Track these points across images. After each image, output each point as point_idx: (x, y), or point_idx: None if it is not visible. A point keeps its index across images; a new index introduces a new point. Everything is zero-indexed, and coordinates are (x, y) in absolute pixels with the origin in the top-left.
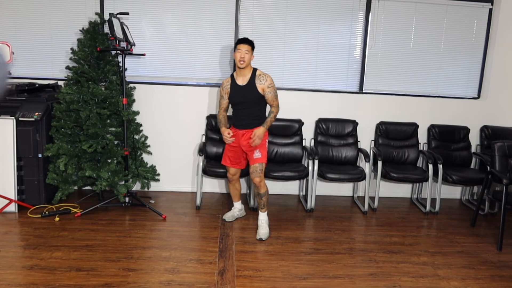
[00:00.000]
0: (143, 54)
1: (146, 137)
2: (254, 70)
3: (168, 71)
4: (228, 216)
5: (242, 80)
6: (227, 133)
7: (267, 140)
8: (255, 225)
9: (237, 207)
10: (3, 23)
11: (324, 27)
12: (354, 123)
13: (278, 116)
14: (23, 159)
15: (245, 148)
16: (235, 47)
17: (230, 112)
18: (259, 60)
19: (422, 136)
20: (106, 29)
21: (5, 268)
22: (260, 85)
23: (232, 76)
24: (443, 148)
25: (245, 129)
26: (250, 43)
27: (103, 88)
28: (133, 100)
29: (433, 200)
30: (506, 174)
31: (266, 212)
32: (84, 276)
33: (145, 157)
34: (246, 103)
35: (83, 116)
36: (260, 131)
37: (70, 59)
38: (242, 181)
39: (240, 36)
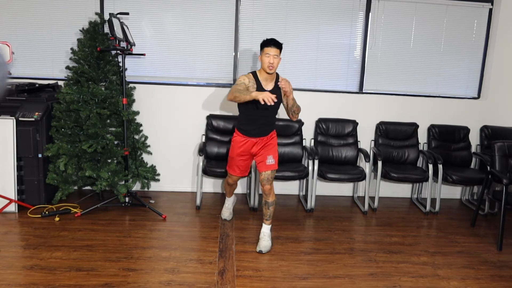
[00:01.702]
0: (143, 54)
1: (146, 137)
2: (277, 74)
3: (168, 71)
4: (226, 214)
5: (267, 85)
6: (269, 93)
7: (277, 146)
8: (255, 225)
9: (230, 201)
10: (3, 23)
11: (324, 27)
12: (354, 123)
13: (278, 116)
14: (23, 159)
15: (258, 153)
16: (261, 49)
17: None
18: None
19: (422, 136)
20: (106, 29)
21: (5, 268)
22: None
23: (255, 76)
24: (443, 148)
25: (260, 137)
26: (279, 46)
27: (103, 88)
28: (133, 100)
29: (433, 200)
30: (506, 174)
31: (270, 226)
32: (84, 276)
33: (145, 157)
34: (269, 110)
35: (83, 116)
36: (290, 88)
37: (70, 59)
38: (243, 181)
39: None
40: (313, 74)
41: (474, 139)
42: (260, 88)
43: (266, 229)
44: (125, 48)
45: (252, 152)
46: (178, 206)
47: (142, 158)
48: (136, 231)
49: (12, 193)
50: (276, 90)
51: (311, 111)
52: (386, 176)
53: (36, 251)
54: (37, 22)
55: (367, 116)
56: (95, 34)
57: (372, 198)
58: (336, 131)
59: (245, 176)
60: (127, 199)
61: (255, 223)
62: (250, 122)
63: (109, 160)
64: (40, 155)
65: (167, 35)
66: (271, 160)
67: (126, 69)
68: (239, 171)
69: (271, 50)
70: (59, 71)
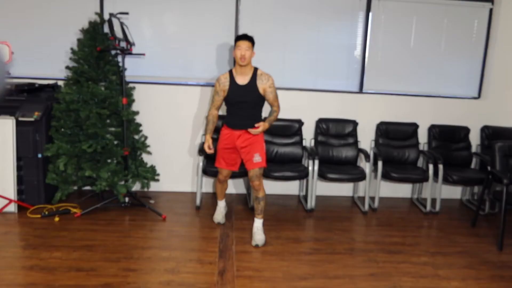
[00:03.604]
0: (143, 54)
1: (146, 137)
2: (255, 69)
3: (168, 71)
4: (219, 218)
5: (242, 79)
6: (207, 147)
7: (264, 142)
8: None
9: (222, 205)
10: (3, 23)
11: (324, 27)
12: (354, 123)
13: (278, 116)
14: (23, 159)
15: (242, 150)
16: (234, 44)
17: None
18: (259, 60)
19: (423, 136)
20: (106, 29)
21: (5, 268)
22: (262, 85)
23: (230, 73)
24: (443, 148)
25: (241, 129)
26: (250, 39)
27: (103, 88)
28: (133, 100)
29: (433, 200)
30: (506, 174)
31: (262, 220)
32: (84, 276)
33: (145, 157)
34: (245, 103)
35: (82, 116)
36: (265, 125)
37: (70, 59)
38: (241, 181)
39: None
40: (313, 74)
41: (475, 139)
42: (233, 84)
43: (258, 223)
44: (125, 48)
45: (237, 145)
46: (178, 206)
47: (142, 158)
48: (136, 231)
49: (11, 193)
50: (252, 83)
51: (311, 111)
52: (386, 176)
53: (36, 251)
54: (37, 22)
55: (367, 116)
56: (95, 34)
57: (372, 198)
58: (336, 131)
59: (233, 170)
60: (127, 199)
61: None
62: (231, 114)
63: (109, 160)
64: (40, 155)
65: (167, 35)
66: (257, 158)
67: (125, 69)
68: (224, 163)
69: (243, 43)
70: (59, 71)
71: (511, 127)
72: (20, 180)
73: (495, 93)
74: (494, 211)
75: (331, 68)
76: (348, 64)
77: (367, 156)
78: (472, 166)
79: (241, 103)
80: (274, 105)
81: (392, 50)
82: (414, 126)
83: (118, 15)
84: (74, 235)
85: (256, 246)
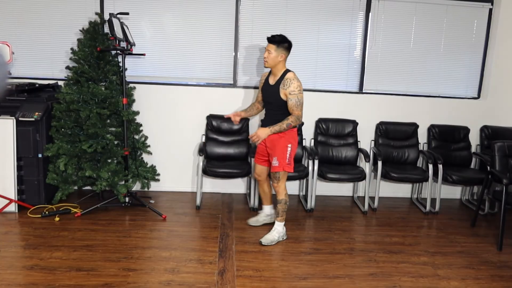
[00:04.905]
0: (143, 54)
1: (146, 137)
2: (285, 72)
3: (168, 71)
4: (253, 220)
5: (273, 79)
6: (233, 115)
7: (288, 146)
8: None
9: (265, 212)
10: (3, 23)
11: (324, 27)
12: (354, 123)
13: None
14: (23, 159)
15: (268, 150)
16: None
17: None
18: (260, 60)
19: (422, 136)
20: (106, 29)
21: (5, 268)
22: (283, 90)
23: (270, 72)
24: (443, 148)
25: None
26: (274, 41)
27: (103, 88)
28: (133, 100)
29: (433, 200)
30: (506, 174)
31: (282, 223)
32: (84, 276)
33: (145, 157)
34: (270, 103)
35: (83, 116)
36: (261, 131)
37: (70, 59)
38: (243, 181)
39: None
40: (313, 74)
41: (474, 139)
42: (266, 82)
43: (276, 225)
44: (125, 48)
45: (265, 142)
46: (178, 206)
47: (142, 158)
48: (136, 231)
49: (12, 193)
50: (277, 85)
51: (311, 111)
52: (386, 176)
53: (36, 251)
54: (37, 22)
55: (367, 116)
56: (95, 34)
57: (372, 198)
58: (336, 131)
59: (263, 166)
60: (127, 199)
61: None
62: (265, 113)
63: (109, 160)
64: (40, 155)
65: (167, 35)
66: (275, 162)
67: (126, 69)
68: (257, 157)
69: (267, 46)
70: (59, 71)
71: (510, 127)
72: (20, 180)
73: (495, 93)
74: (493, 211)
75: (331, 68)
76: (348, 64)
77: (367, 156)
78: (472, 166)
79: (268, 103)
80: (293, 114)
81: (392, 50)
82: (414, 126)
83: (118, 15)
84: (74, 235)
85: (260, 242)
